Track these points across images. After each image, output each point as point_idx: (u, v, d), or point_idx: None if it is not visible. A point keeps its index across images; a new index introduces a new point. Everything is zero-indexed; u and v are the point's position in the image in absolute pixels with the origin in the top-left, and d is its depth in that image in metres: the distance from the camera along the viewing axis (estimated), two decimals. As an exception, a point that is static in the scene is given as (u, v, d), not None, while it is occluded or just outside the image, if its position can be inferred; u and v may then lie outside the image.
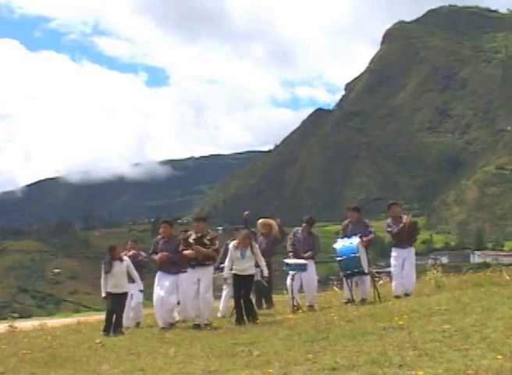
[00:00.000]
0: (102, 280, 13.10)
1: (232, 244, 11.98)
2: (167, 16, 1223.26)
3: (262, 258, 12.03)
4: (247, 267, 11.76)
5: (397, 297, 13.02)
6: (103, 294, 13.12)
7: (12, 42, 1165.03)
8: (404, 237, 13.54)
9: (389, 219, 13.94)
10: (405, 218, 13.78)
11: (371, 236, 13.52)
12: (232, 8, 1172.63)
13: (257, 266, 12.18)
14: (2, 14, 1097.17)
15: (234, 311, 12.12)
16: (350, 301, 13.27)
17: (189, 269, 11.99)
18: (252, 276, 11.95)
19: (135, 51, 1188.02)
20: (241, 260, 11.75)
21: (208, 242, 11.79)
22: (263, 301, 15.31)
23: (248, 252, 11.77)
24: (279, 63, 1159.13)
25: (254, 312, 11.86)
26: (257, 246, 12.14)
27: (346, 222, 14.03)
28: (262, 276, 12.32)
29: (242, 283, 11.82)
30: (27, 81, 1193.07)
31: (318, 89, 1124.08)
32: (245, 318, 11.56)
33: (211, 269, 11.95)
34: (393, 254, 13.65)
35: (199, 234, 11.82)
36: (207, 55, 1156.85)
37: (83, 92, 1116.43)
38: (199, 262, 11.75)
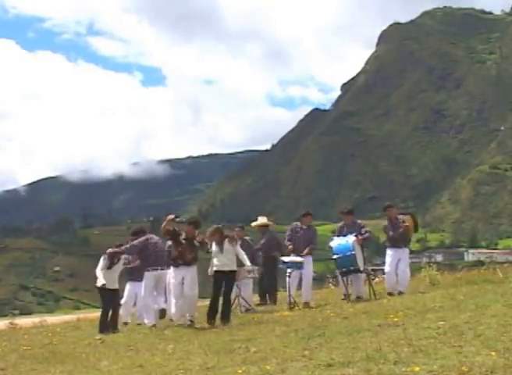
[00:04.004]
0: (101, 271, 12.97)
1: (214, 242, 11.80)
2: (161, 16, 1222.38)
3: (242, 251, 11.94)
4: (226, 262, 11.63)
5: (390, 294, 13.03)
6: (102, 282, 12.81)
7: (8, 42, 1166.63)
8: (401, 238, 13.57)
9: (387, 222, 13.92)
10: (401, 219, 13.79)
11: (367, 234, 13.54)
12: (226, 8, 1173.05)
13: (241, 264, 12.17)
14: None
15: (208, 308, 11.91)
16: (346, 297, 13.32)
17: (173, 268, 11.96)
18: (233, 272, 11.78)
19: (129, 51, 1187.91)
20: (220, 254, 11.63)
21: (197, 244, 11.73)
22: (267, 297, 15.32)
23: (226, 246, 11.65)
24: (274, 63, 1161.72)
25: (229, 313, 11.73)
26: (236, 241, 12.05)
27: (340, 224, 14.08)
28: (248, 270, 12.30)
29: (222, 280, 11.68)
30: (25, 81, 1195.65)
31: (313, 89, 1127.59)
32: (217, 317, 11.47)
33: (194, 268, 11.77)
34: (389, 253, 13.65)
35: (189, 236, 11.77)
36: (202, 54, 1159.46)
37: (80, 92, 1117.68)
38: (186, 261, 11.69)
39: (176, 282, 11.73)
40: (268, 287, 15.19)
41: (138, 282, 13.30)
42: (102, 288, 12.88)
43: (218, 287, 11.69)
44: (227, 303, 11.76)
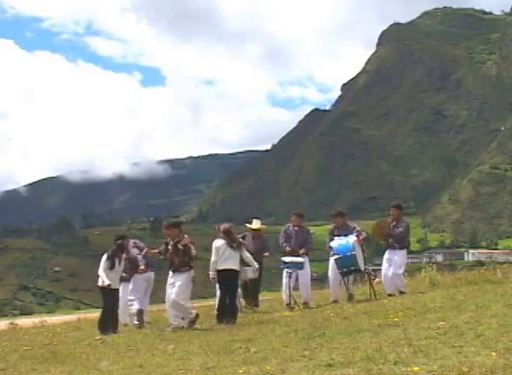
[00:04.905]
0: (104, 272, 12.84)
1: (223, 242, 11.63)
2: (160, 16, 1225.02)
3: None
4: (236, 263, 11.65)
5: (390, 295, 13.02)
6: (107, 282, 12.68)
7: (6, 42, 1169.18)
8: (395, 239, 13.48)
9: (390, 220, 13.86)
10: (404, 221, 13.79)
11: (365, 235, 13.55)
12: (225, 8, 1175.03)
13: (248, 265, 12.18)
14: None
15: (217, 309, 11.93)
16: (336, 301, 13.36)
17: (170, 273, 11.90)
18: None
19: (128, 51, 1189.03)
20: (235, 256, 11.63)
21: (181, 247, 11.54)
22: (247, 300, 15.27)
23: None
24: (274, 63, 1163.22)
25: (236, 311, 11.72)
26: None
27: (331, 227, 14.04)
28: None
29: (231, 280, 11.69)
30: (24, 81, 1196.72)
31: (312, 89, 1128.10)
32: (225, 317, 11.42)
33: (185, 274, 11.54)
34: (385, 254, 13.65)
35: (175, 240, 11.65)
36: (202, 54, 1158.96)
37: (80, 92, 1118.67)
38: (175, 267, 11.60)
39: (167, 285, 11.78)
40: (251, 291, 15.09)
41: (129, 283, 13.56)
42: (104, 288, 12.86)
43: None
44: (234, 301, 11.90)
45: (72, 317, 23.66)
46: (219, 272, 11.54)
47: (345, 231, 13.53)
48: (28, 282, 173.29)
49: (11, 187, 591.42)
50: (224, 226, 11.91)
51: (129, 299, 13.47)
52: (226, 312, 11.39)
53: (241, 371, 6.23)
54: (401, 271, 13.40)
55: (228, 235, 11.64)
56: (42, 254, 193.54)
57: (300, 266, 13.26)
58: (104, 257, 13.01)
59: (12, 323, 18.34)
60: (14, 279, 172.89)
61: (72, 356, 9.59)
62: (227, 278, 11.59)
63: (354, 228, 13.70)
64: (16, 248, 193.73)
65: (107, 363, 8.19)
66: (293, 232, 13.85)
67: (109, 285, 12.68)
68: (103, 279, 12.80)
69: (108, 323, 12.81)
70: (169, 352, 8.48)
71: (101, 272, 12.91)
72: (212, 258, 11.55)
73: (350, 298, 13.15)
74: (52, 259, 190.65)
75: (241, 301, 13.71)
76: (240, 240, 11.98)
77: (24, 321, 22.26)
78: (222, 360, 7.13)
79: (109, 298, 12.94)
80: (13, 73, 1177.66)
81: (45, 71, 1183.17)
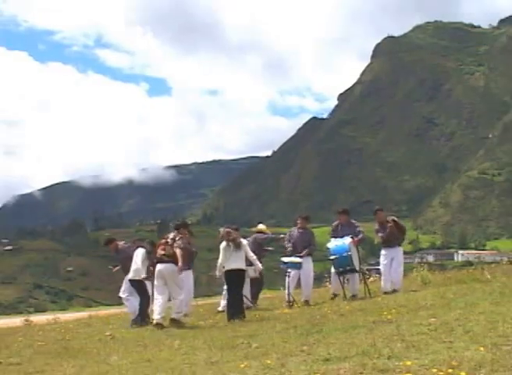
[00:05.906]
0: (142, 264, 12.89)
1: (225, 244, 11.61)
2: (165, 29, 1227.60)
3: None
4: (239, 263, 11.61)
5: (386, 293, 13.01)
6: (144, 275, 12.87)
7: (21, 54, 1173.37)
8: (392, 238, 13.52)
9: (376, 225, 13.84)
10: (390, 219, 13.79)
11: (361, 236, 13.50)
12: (227, 21, 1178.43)
13: (250, 264, 12.17)
14: (9, 27, 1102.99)
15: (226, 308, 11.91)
16: (336, 295, 13.39)
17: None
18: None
19: (135, 63, 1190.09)
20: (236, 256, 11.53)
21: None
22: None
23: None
24: (274, 74, 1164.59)
25: (243, 308, 11.62)
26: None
27: (335, 223, 13.94)
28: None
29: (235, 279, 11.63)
30: (38, 91, 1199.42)
31: (310, 99, 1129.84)
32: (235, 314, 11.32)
33: (173, 267, 11.58)
34: (383, 253, 13.65)
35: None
36: (205, 66, 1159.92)
37: (91, 101, 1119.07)
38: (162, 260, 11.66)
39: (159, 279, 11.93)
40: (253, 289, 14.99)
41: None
42: (142, 280, 12.97)
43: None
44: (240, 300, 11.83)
45: (83, 314, 23.65)
46: (226, 272, 11.52)
47: (348, 228, 13.51)
48: (42, 281, 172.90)
49: (26, 191, 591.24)
50: (224, 230, 11.91)
51: (122, 297, 13.69)
52: (235, 310, 11.33)
53: (243, 365, 6.22)
54: (402, 268, 13.55)
55: (227, 237, 11.65)
56: (55, 254, 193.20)
57: (298, 265, 13.24)
58: (143, 251, 13.00)
59: (27, 320, 18.35)
60: (29, 278, 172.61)
61: (83, 351, 9.60)
62: (233, 277, 11.51)
63: (357, 227, 13.68)
64: (30, 249, 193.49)
65: (116, 358, 8.19)
66: (297, 234, 13.84)
67: (146, 278, 12.83)
68: (139, 273, 12.86)
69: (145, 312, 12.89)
70: (175, 347, 8.48)
71: (140, 264, 12.89)
72: (219, 261, 11.55)
73: (353, 297, 13.12)
74: (65, 260, 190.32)
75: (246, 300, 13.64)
76: (241, 239, 11.91)
77: (38, 318, 22.27)
78: (225, 355, 7.12)
79: (145, 289, 13.04)
80: (27, 83, 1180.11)
81: (57, 81, 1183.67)
